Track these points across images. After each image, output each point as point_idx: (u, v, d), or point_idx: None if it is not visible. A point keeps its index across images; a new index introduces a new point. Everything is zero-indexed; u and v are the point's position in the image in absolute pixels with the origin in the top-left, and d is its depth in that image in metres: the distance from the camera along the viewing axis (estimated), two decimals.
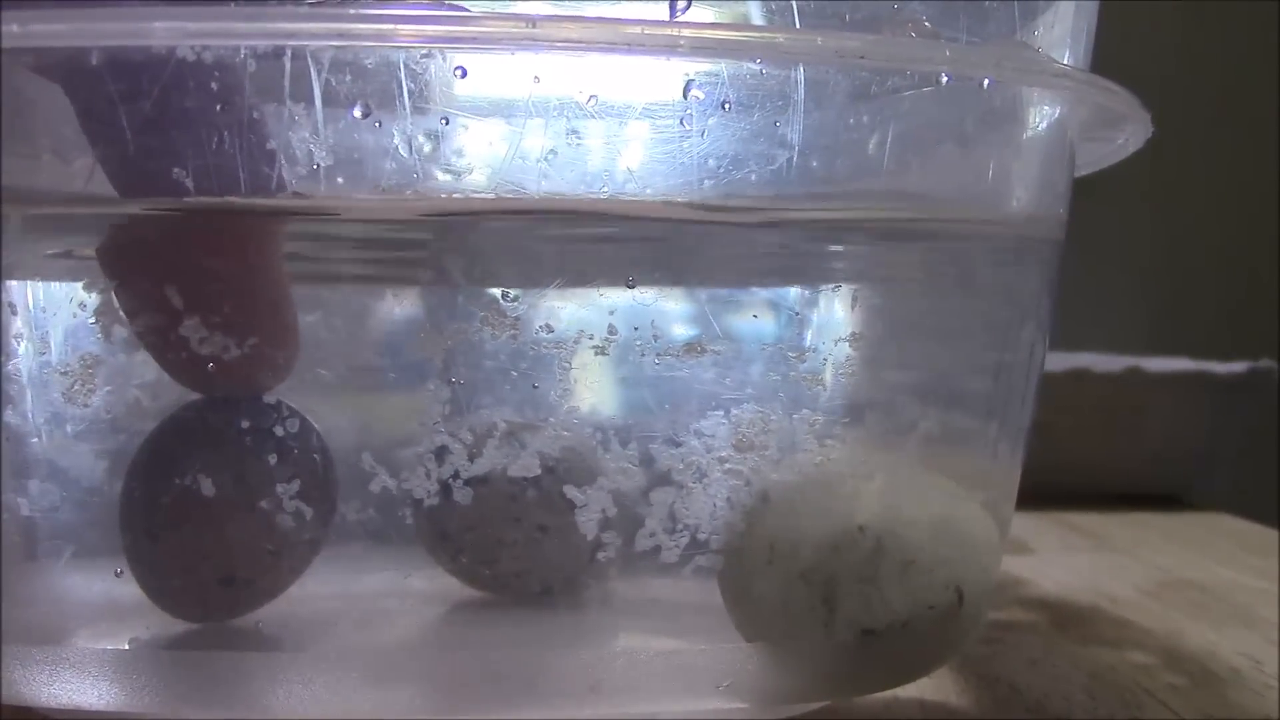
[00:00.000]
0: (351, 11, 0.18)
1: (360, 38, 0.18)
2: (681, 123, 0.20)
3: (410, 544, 0.23)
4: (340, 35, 0.17)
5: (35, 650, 0.22)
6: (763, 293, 0.22)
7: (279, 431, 0.21)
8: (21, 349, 0.20)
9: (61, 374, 0.20)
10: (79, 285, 0.20)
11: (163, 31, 0.17)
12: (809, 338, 0.21)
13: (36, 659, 0.22)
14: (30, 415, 0.20)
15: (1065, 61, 0.25)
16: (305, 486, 0.21)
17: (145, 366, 0.20)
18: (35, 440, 0.20)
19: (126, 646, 0.22)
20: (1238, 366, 0.63)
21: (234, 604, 0.23)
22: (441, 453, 0.20)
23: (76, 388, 0.20)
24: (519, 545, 0.23)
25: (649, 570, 0.22)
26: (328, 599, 0.23)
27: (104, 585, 0.22)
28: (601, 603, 0.23)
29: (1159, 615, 0.36)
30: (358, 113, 0.19)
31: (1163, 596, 0.39)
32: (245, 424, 0.21)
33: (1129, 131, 0.26)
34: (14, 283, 0.20)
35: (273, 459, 0.21)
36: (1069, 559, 0.45)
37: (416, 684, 0.22)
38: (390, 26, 0.18)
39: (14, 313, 0.20)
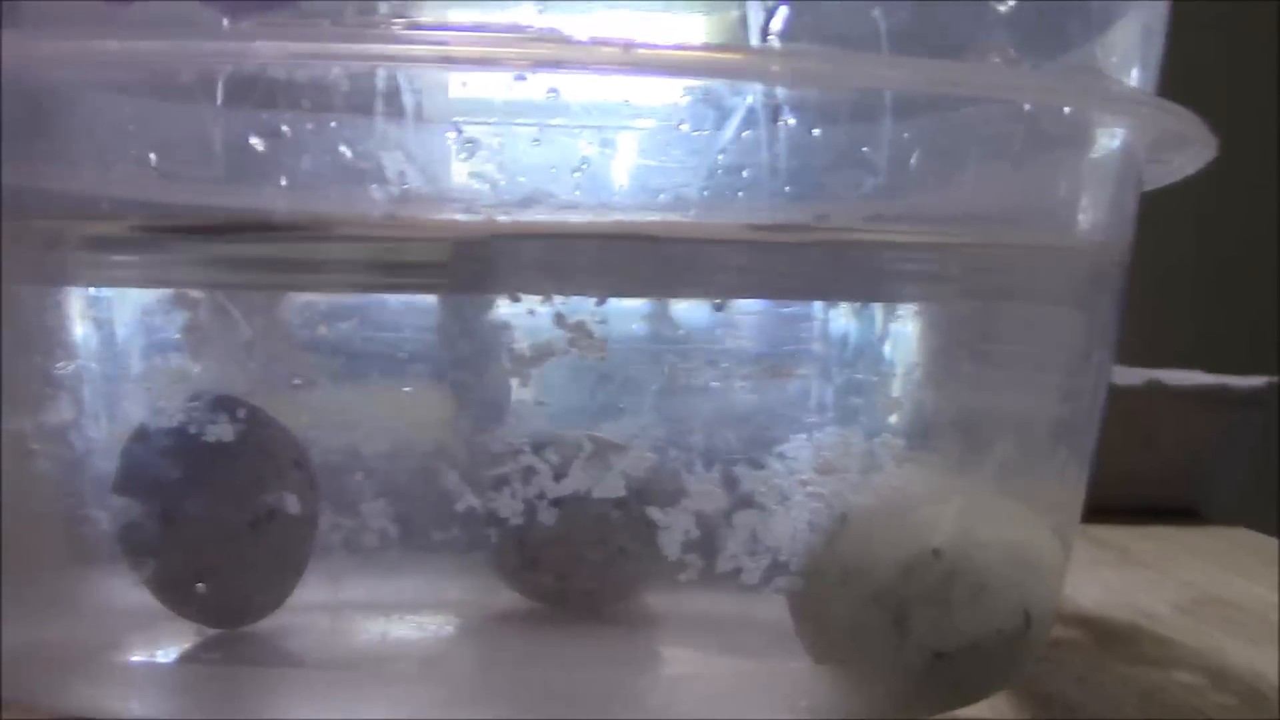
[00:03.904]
0: (453, 34, 0.18)
1: (466, 61, 0.18)
2: (769, 148, 0.20)
3: (479, 560, 0.23)
4: (445, 59, 0.17)
5: (88, 662, 0.22)
6: (845, 317, 0.22)
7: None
8: (105, 361, 0.20)
9: (146, 389, 0.20)
10: (169, 300, 0.20)
11: (265, 51, 0.17)
12: (889, 361, 0.21)
13: (91, 670, 0.22)
14: (114, 429, 0.20)
15: (1132, 84, 0.25)
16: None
17: (230, 381, 0.20)
18: (118, 454, 0.20)
19: (173, 659, 0.22)
20: (1256, 381, 0.63)
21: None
22: (528, 473, 0.20)
23: (161, 403, 0.20)
24: (597, 565, 0.23)
25: (720, 590, 0.22)
26: (371, 609, 0.23)
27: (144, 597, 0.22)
28: (672, 623, 0.23)
29: (1198, 633, 0.36)
30: (450, 134, 0.19)
31: (1198, 613, 0.39)
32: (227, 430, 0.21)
33: (1189, 154, 0.26)
34: (104, 294, 0.20)
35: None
36: (1099, 574, 0.45)
37: (486, 704, 0.22)
38: (492, 50, 0.18)
39: (101, 326, 0.20)
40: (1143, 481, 0.63)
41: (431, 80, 0.20)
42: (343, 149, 0.20)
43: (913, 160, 0.21)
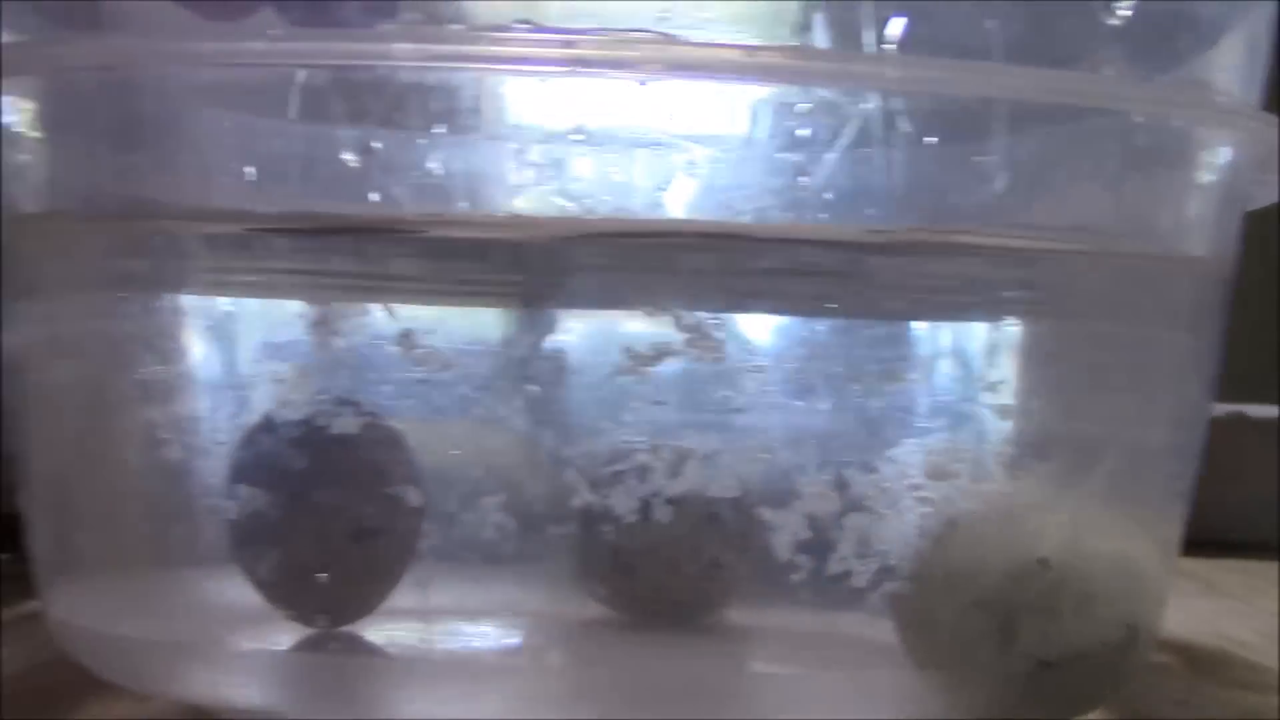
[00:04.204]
0: (581, 37, 0.18)
1: (596, 63, 0.18)
2: (886, 154, 0.20)
3: (571, 567, 0.23)
4: (577, 60, 0.18)
5: (201, 651, 0.23)
6: (959, 324, 0.22)
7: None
8: (239, 358, 0.21)
9: (276, 381, 0.20)
10: (298, 300, 0.20)
11: (404, 52, 0.18)
12: (1001, 369, 0.21)
13: (203, 658, 0.23)
14: (242, 421, 0.21)
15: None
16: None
17: (353, 377, 0.21)
18: (247, 445, 0.21)
19: (283, 648, 0.22)
20: None
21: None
22: (642, 471, 0.20)
23: (290, 395, 0.20)
24: (692, 575, 0.23)
25: (813, 605, 0.22)
26: (460, 612, 0.24)
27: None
28: (767, 635, 0.24)
29: None
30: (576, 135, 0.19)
31: None
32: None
33: None
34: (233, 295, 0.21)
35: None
36: (1185, 603, 0.44)
37: (578, 703, 0.22)
38: (619, 53, 0.18)
39: (230, 320, 0.21)
40: (1227, 515, 0.62)
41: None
42: (434, 161, 0.21)
43: (1023, 172, 0.21)
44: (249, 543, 0.22)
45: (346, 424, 0.21)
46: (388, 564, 0.23)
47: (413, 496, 0.21)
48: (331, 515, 0.22)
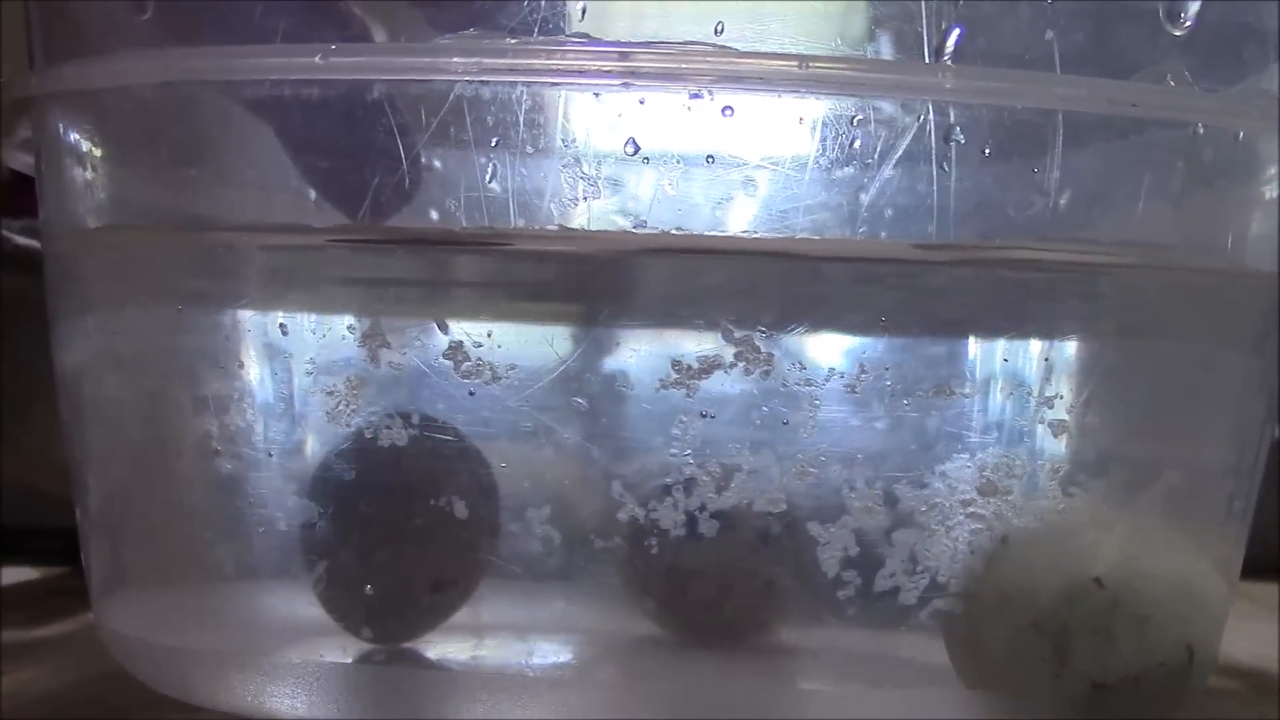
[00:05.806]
0: (635, 49, 0.18)
1: (650, 75, 0.18)
2: (942, 167, 0.20)
3: (621, 587, 0.23)
4: (630, 73, 0.18)
5: (250, 662, 0.23)
6: (1011, 339, 0.22)
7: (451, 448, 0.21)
8: (291, 370, 0.21)
9: (327, 394, 0.21)
10: (348, 311, 0.20)
11: (458, 66, 0.18)
12: (1056, 386, 0.21)
13: (252, 669, 0.23)
14: (296, 434, 0.21)
15: None
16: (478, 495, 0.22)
17: (406, 389, 0.21)
18: (299, 458, 0.21)
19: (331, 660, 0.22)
20: None
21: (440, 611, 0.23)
22: (689, 485, 0.20)
23: (341, 408, 0.20)
24: (745, 595, 0.23)
25: (864, 626, 0.21)
26: (510, 627, 0.24)
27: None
28: (816, 655, 0.23)
29: None
30: (629, 149, 0.19)
31: None
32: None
33: None
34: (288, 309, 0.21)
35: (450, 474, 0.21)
36: (1251, 627, 0.43)
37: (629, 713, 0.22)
38: (674, 65, 0.18)
39: (285, 333, 0.21)
40: None
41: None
42: (489, 176, 0.21)
43: (1084, 186, 0.21)
44: (321, 553, 0.22)
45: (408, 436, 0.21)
46: (464, 567, 0.23)
47: (489, 513, 0.21)
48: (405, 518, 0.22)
